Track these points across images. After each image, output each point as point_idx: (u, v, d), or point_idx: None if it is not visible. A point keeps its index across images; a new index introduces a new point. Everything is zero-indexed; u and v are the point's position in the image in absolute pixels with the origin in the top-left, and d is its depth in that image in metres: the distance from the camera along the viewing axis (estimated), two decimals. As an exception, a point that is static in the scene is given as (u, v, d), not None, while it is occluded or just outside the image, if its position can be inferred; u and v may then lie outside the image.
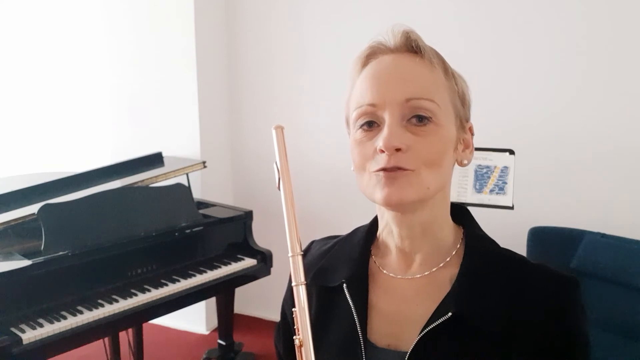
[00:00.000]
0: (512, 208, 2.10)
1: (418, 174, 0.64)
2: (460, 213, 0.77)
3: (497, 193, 2.12)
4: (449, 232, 0.73)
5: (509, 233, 2.34)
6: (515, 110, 2.51)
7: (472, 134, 0.74)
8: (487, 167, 2.15)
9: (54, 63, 3.34)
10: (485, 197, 2.13)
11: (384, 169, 0.64)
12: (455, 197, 2.15)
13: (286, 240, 0.65)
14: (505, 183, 2.11)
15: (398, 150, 0.63)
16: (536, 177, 2.47)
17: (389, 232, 0.74)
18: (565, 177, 2.45)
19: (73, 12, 3.26)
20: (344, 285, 0.73)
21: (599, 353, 1.92)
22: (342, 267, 0.76)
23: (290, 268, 0.64)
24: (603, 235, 2.07)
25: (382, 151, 0.64)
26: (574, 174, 2.43)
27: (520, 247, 2.18)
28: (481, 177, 2.14)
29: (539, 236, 2.18)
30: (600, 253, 2.02)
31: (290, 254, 0.64)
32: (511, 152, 2.13)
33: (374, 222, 0.79)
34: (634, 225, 2.25)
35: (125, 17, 3.03)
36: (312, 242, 0.86)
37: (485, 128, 2.41)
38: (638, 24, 2.26)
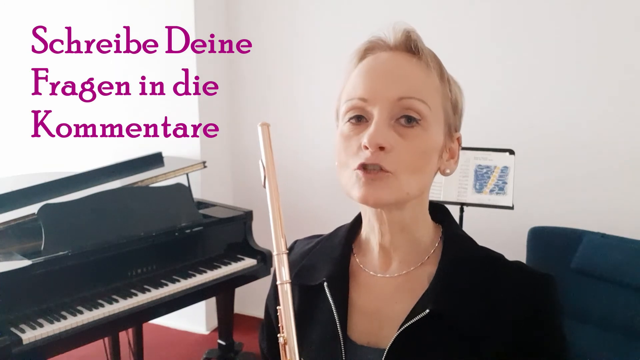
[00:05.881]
0: (512, 208, 2.10)
1: (397, 177, 0.64)
2: (439, 212, 0.77)
3: (497, 193, 2.12)
4: (427, 231, 0.74)
5: (509, 233, 2.36)
6: (516, 110, 2.51)
7: (460, 145, 0.74)
8: (487, 167, 2.15)
9: (54, 63, 3.33)
10: (485, 197, 2.13)
11: (364, 165, 0.64)
12: (455, 197, 2.16)
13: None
14: (505, 183, 2.11)
15: (382, 148, 0.63)
16: (536, 177, 2.47)
17: (371, 229, 0.74)
18: (565, 177, 2.45)
19: (74, 12, 3.26)
20: (325, 284, 0.74)
21: (599, 353, 1.92)
22: (323, 266, 0.77)
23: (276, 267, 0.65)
24: (603, 235, 2.07)
25: (366, 147, 0.63)
26: (574, 174, 2.43)
27: (520, 247, 2.18)
28: (481, 177, 2.14)
29: (539, 236, 2.18)
30: (600, 253, 2.02)
31: (275, 253, 0.65)
32: (511, 152, 2.13)
33: (356, 221, 0.80)
34: (634, 225, 2.25)
35: (125, 15, 3.03)
36: (296, 242, 0.86)
37: (485, 128, 2.44)
38: (636, 29, 2.26)
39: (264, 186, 0.66)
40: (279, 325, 0.65)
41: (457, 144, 0.73)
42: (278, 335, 0.64)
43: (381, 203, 0.66)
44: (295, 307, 0.68)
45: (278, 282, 0.65)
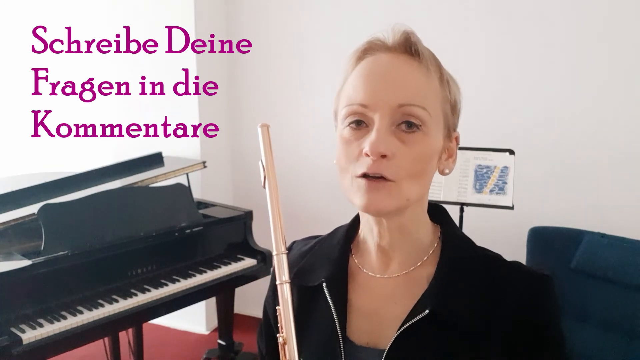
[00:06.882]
0: (512, 208, 2.10)
1: (399, 185, 0.64)
2: (437, 212, 0.78)
3: (497, 193, 2.12)
4: (426, 232, 0.74)
5: (509, 233, 2.36)
6: (516, 110, 2.51)
7: (458, 143, 0.74)
8: (487, 167, 2.15)
9: (54, 63, 3.34)
10: (485, 197, 2.13)
11: (366, 175, 0.64)
12: (455, 197, 2.15)
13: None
14: (505, 183, 2.11)
15: (383, 156, 0.63)
16: (536, 177, 2.47)
17: (369, 230, 0.74)
18: (565, 177, 2.45)
19: (74, 12, 3.26)
20: (324, 284, 0.74)
21: (600, 353, 1.92)
22: (322, 266, 0.77)
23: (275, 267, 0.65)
24: (603, 235, 2.07)
25: (368, 155, 0.63)
26: (574, 173, 2.43)
27: (520, 247, 2.18)
28: (481, 177, 2.14)
29: (539, 236, 2.18)
30: (600, 253, 2.02)
31: (274, 253, 0.65)
32: (511, 152, 2.13)
33: (354, 221, 0.80)
34: (634, 225, 2.25)
35: (125, 15, 3.03)
36: (294, 243, 0.87)
37: (485, 128, 2.44)
38: (637, 27, 2.26)
39: (264, 187, 0.66)
40: (278, 325, 0.65)
41: (455, 143, 0.73)
42: (277, 335, 0.65)
43: (383, 212, 0.66)
44: (294, 308, 0.69)
45: (277, 282, 0.65)
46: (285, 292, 0.64)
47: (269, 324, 0.84)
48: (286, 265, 0.65)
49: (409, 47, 0.68)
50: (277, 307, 0.65)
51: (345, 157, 0.67)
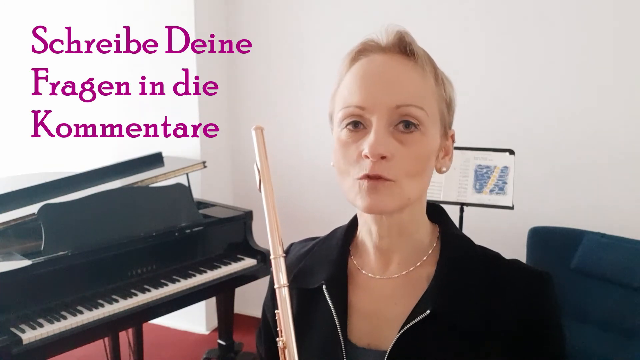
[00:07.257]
0: (512, 208, 2.10)
1: (399, 184, 0.64)
2: (435, 212, 0.78)
3: (497, 193, 2.12)
4: (425, 232, 0.74)
5: (509, 233, 2.36)
6: (516, 110, 2.51)
7: (454, 141, 0.74)
8: (487, 167, 2.15)
9: (54, 63, 3.34)
10: (485, 197, 2.13)
11: (367, 176, 0.64)
12: (455, 197, 2.15)
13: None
14: (505, 183, 2.11)
15: (383, 157, 0.63)
16: (536, 177, 2.47)
17: (367, 231, 0.74)
18: (565, 177, 2.45)
19: (74, 12, 3.26)
20: (324, 286, 0.74)
21: (599, 353, 1.92)
22: (321, 268, 0.76)
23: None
24: (603, 235, 2.07)
25: (367, 157, 0.63)
26: (574, 173, 2.43)
27: (520, 247, 2.18)
28: (481, 177, 2.14)
29: (539, 236, 2.18)
30: (600, 253, 2.02)
31: (272, 256, 0.64)
32: (511, 152, 2.13)
33: (353, 222, 0.80)
34: (634, 225, 2.25)
35: (125, 15, 3.03)
36: (292, 245, 0.86)
37: (485, 128, 2.44)
38: (638, 27, 2.26)
39: (260, 190, 0.66)
40: (278, 329, 0.64)
41: (451, 141, 0.73)
42: (277, 339, 0.64)
43: (386, 211, 0.66)
44: (294, 311, 0.68)
45: (276, 286, 0.64)
46: (283, 296, 0.64)
47: (267, 327, 0.84)
48: (284, 269, 0.64)
49: (403, 47, 0.67)
50: (276, 311, 0.65)
51: (344, 159, 0.67)
